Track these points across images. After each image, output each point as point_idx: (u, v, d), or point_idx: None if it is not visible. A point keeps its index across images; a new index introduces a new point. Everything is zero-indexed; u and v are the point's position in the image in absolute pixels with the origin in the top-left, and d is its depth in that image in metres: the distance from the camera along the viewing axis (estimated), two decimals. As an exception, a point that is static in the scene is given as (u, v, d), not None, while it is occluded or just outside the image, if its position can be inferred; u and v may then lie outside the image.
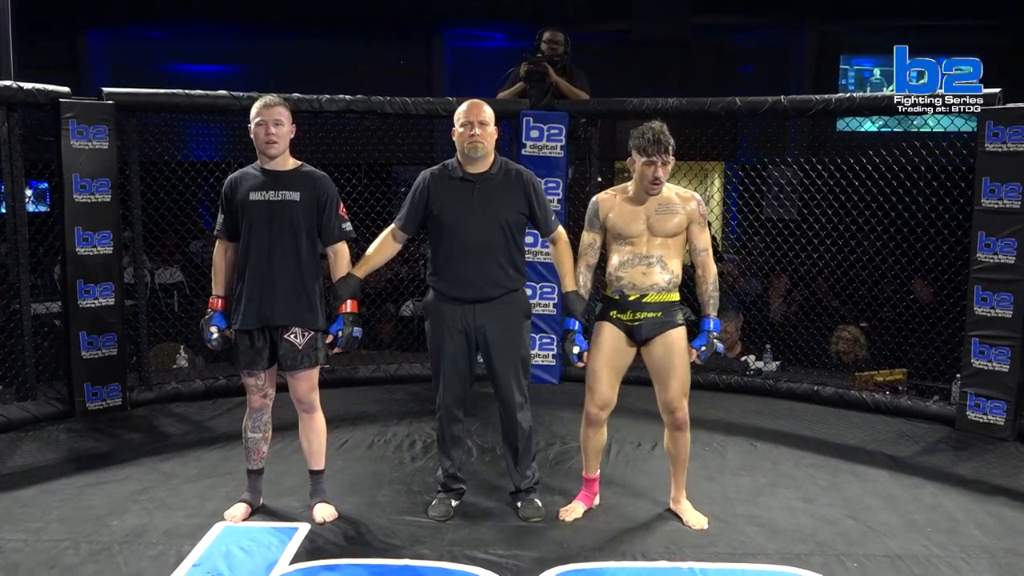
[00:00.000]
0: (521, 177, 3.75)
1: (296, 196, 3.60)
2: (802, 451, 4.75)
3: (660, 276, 3.61)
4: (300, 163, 3.71)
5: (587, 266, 3.77)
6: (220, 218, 3.73)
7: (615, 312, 3.66)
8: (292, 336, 3.62)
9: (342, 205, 3.73)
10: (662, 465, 4.33)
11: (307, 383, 3.70)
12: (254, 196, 3.60)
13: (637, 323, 3.64)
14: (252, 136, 3.62)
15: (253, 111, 3.60)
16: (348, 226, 3.73)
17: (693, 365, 3.71)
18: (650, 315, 3.62)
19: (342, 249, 3.72)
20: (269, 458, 3.91)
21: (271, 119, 3.57)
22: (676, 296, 3.67)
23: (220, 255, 3.76)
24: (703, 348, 3.64)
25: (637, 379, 5.14)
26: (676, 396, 3.66)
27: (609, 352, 3.67)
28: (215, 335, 3.71)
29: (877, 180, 5.71)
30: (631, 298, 3.62)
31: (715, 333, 3.68)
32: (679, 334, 3.65)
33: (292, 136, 3.65)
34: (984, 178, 4.98)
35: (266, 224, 3.59)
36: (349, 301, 3.68)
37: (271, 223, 3.58)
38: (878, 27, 10.99)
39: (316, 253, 3.68)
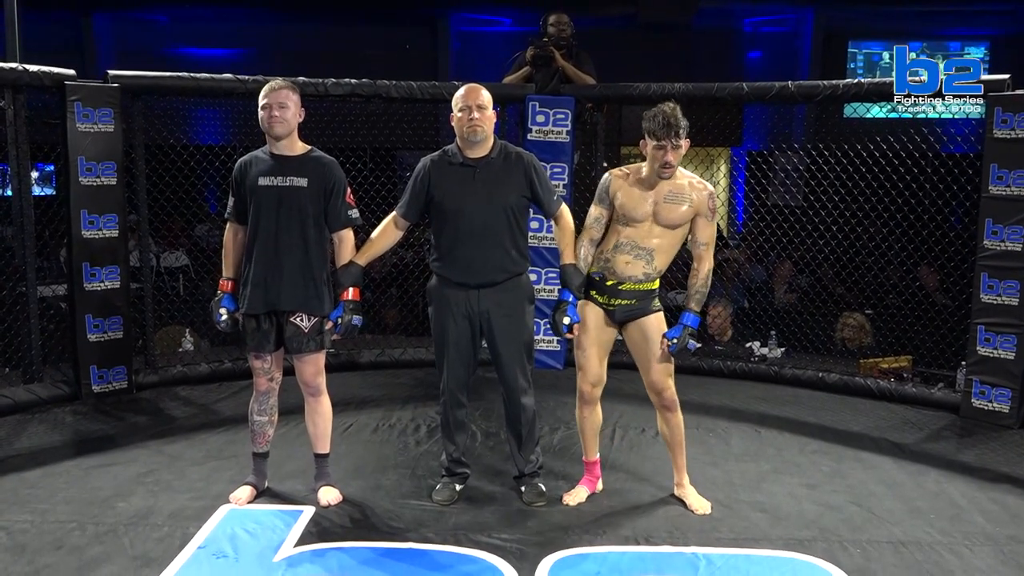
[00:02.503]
0: (521, 160, 3.74)
1: (304, 182, 3.60)
2: (806, 437, 4.75)
3: (640, 269, 3.62)
4: (310, 148, 3.70)
5: (590, 240, 3.74)
6: (230, 201, 3.74)
7: (594, 292, 3.71)
8: (298, 319, 3.63)
9: (350, 192, 3.72)
10: (665, 451, 4.35)
11: (313, 367, 3.72)
12: (263, 181, 3.60)
13: (612, 308, 3.68)
14: (260, 120, 3.62)
15: (261, 94, 3.60)
16: (355, 213, 3.72)
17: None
18: (623, 302, 3.66)
19: (347, 236, 3.71)
20: (274, 441, 3.92)
21: (276, 101, 3.57)
22: (654, 286, 3.68)
23: (230, 238, 3.76)
24: (675, 340, 3.61)
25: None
26: (660, 377, 3.68)
27: (595, 330, 3.71)
28: (224, 317, 3.71)
29: (884, 166, 5.69)
30: (608, 283, 3.65)
31: (692, 329, 3.64)
32: (655, 319, 3.68)
33: (300, 120, 3.65)
34: (992, 165, 4.95)
35: (274, 209, 3.59)
36: (351, 289, 3.68)
37: (279, 208, 3.58)
38: (887, 11, 10.91)
39: (324, 239, 3.68)
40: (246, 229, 3.68)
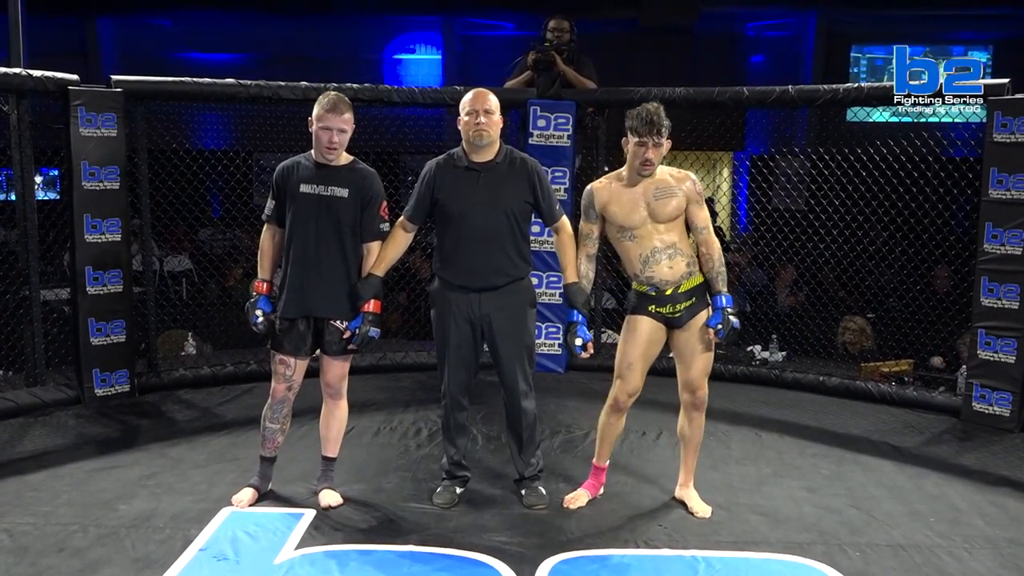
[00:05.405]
0: (526, 166, 3.76)
1: (344, 193, 3.62)
2: (806, 441, 4.76)
3: (684, 265, 3.64)
4: (353, 158, 3.72)
5: (587, 256, 3.77)
6: (270, 203, 3.75)
7: (653, 307, 3.67)
8: (338, 322, 3.67)
9: (385, 204, 3.73)
10: (666, 454, 4.36)
11: (341, 370, 3.76)
12: (304, 188, 3.62)
13: (678, 314, 3.67)
14: (312, 132, 3.62)
15: (318, 109, 3.57)
16: (387, 227, 3.75)
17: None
18: (688, 303, 3.66)
19: (375, 248, 3.72)
20: (277, 444, 3.94)
21: (336, 127, 3.57)
22: (701, 277, 3.70)
23: (268, 239, 3.78)
24: (719, 326, 3.63)
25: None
26: (698, 375, 3.70)
27: (645, 344, 3.69)
28: (260, 319, 3.72)
29: (884, 171, 5.70)
30: (667, 292, 3.64)
31: (729, 309, 3.65)
32: (707, 315, 3.69)
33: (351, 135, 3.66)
34: (992, 169, 4.96)
35: (313, 217, 3.62)
36: (372, 301, 3.69)
37: (318, 217, 3.61)
38: (889, 15, 10.91)
39: (360, 248, 3.70)
40: (284, 232, 3.71)
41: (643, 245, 3.63)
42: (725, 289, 3.68)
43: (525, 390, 3.82)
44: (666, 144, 3.57)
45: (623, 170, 3.67)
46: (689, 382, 3.72)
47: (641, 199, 3.61)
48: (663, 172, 3.65)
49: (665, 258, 3.62)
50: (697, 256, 3.70)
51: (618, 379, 3.75)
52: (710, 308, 3.69)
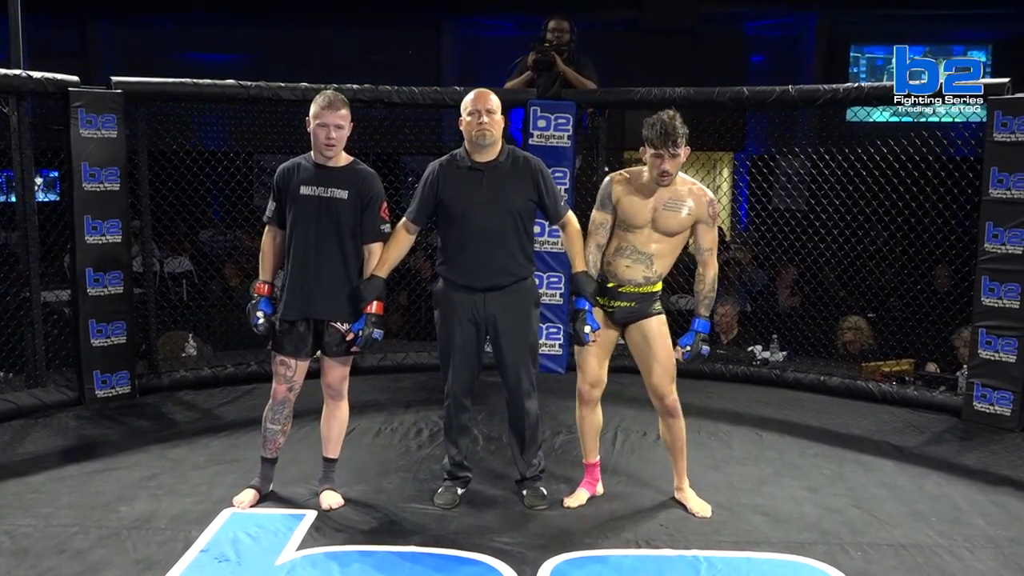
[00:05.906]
0: (529, 164, 3.76)
1: (344, 194, 3.62)
2: (807, 441, 4.76)
3: (640, 273, 3.65)
4: (353, 159, 3.72)
5: (597, 245, 3.75)
6: (271, 205, 3.75)
7: (596, 296, 3.72)
8: (339, 324, 3.67)
9: (385, 205, 3.73)
10: (666, 454, 4.35)
11: (342, 371, 3.77)
12: (304, 190, 3.63)
13: (611, 310, 3.72)
14: (310, 132, 3.62)
15: (315, 107, 3.59)
16: (387, 228, 3.75)
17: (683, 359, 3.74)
18: (622, 304, 3.69)
19: (376, 249, 3.72)
20: (278, 445, 3.94)
21: (333, 123, 3.57)
22: (655, 288, 3.71)
23: (269, 241, 3.78)
24: (687, 348, 3.65)
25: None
26: (661, 381, 3.70)
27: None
28: (261, 320, 3.73)
29: (885, 170, 5.70)
30: (609, 285, 3.69)
31: (703, 334, 3.68)
32: (657, 321, 3.71)
33: (348, 133, 3.66)
34: (992, 168, 4.96)
35: (313, 219, 3.62)
36: (374, 302, 3.69)
37: (318, 219, 3.62)
38: (889, 15, 10.91)
39: (360, 249, 3.71)
40: (285, 234, 3.71)
41: (628, 241, 3.65)
42: (707, 315, 3.72)
43: (528, 390, 3.82)
44: (684, 152, 3.55)
45: (645, 171, 3.65)
46: (653, 388, 3.74)
47: (651, 204, 3.62)
48: (686, 184, 3.65)
49: (631, 260, 3.65)
50: (696, 275, 3.71)
51: (579, 371, 3.80)
52: (660, 316, 3.71)
